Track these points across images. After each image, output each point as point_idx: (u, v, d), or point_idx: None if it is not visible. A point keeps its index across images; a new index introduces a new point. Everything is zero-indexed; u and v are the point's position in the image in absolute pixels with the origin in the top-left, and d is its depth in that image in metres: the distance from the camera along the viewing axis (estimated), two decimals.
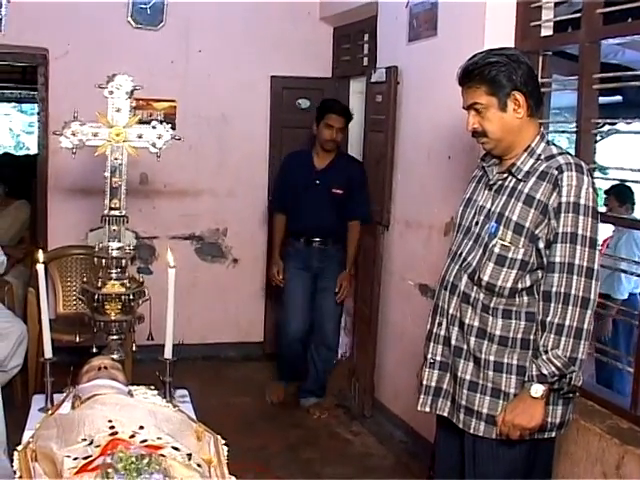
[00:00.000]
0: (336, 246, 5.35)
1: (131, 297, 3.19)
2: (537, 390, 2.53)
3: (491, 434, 2.66)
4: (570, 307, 2.48)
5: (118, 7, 5.85)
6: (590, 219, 2.49)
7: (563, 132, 5.10)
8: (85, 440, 2.11)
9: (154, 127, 3.35)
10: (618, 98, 6.19)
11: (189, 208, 6.32)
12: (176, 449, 2.14)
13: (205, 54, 6.18)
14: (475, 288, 2.68)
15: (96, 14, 5.79)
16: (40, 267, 3.00)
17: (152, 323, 3.28)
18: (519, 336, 2.63)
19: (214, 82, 6.20)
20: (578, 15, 3.58)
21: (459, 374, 2.73)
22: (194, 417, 2.67)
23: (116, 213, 3.28)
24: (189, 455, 2.13)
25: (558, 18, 3.83)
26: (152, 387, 2.97)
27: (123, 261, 3.26)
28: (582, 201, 2.48)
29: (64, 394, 2.79)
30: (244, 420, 5.11)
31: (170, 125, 3.48)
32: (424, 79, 4.68)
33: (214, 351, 6.43)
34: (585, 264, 2.48)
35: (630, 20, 3.39)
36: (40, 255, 3.03)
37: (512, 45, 3.87)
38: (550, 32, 3.88)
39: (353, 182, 5.28)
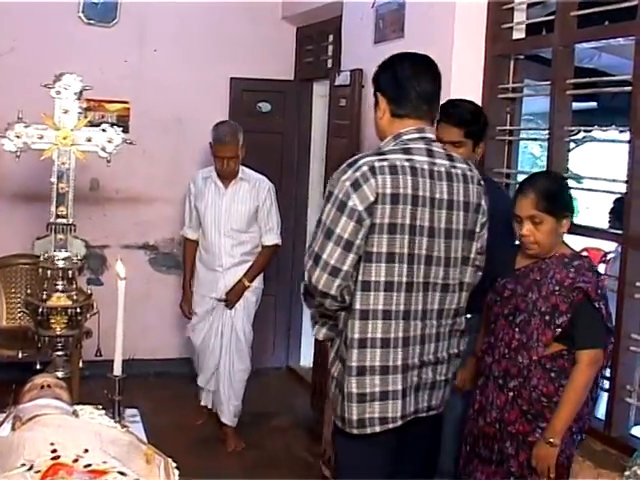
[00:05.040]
0: None
1: (78, 311, 3.11)
2: None
3: None
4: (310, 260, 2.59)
5: (68, 1, 5.67)
6: (334, 209, 2.56)
7: (535, 139, 5.04)
8: (24, 465, 1.97)
9: (104, 130, 3.28)
10: (593, 104, 6.13)
11: (142, 216, 6.13)
12: (123, 474, 2.00)
13: (161, 54, 6.00)
14: None
15: (45, 8, 5.55)
16: None
17: (101, 338, 3.20)
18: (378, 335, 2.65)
19: (170, 83, 6.01)
20: (552, 17, 3.57)
21: None
22: (144, 438, 2.54)
23: (63, 221, 3.19)
24: None
25: (531, 20, 3.81)
26: (100, 406, 2.81)
27: (70, 272, 3.17)
28: (335, 191, 2.57)
29: (4, 414, 2.60)
30: (198, 441, 4.97)
31: (122, 128, 3.45)
32: None
33: (167, 367, 6.18)
34: (316, 249, 2.58)
35: (607, 23, 3.37)
36: None
37: (482, 48, 3.89)
38: (522, 35, 3.87)
39: None
